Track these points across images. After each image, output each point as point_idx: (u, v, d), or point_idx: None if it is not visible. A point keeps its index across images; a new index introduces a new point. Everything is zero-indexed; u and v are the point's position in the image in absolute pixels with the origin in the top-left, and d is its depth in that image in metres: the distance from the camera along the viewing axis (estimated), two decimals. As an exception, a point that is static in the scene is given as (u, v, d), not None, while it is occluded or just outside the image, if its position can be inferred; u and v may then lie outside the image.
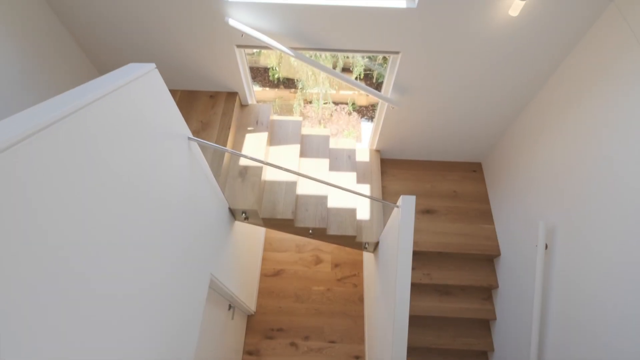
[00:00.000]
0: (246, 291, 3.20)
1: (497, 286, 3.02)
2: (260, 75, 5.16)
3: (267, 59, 4.83)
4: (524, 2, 1.93)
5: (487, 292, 3.12)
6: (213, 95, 2.78)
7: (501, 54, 2.33)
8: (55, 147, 0.89)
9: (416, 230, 3.06)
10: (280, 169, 2.05)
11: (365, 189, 3.20)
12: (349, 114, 5.14)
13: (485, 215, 3.24)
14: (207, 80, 2.71)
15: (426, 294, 3.11)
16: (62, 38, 2.31)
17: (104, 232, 1.08)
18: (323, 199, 2.74)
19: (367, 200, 3.08)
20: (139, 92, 1.29)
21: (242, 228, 2.91)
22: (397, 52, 2.38)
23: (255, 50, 4.68)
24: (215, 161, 2.40)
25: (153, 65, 1.37)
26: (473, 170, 3.50)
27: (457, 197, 3.33)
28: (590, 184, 2.04)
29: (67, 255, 0.92)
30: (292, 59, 4.39)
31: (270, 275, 3.86)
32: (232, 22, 2.16)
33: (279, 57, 4.67)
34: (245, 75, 2.71)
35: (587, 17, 2.05)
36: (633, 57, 1.81)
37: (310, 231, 2.69)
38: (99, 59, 2.56)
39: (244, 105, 2.91)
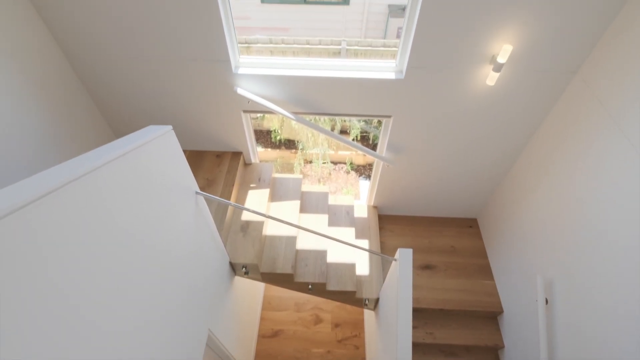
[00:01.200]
0: (243, 352, 3.07)
1: (502, 346, 2.92)
2: (263, 137, 5.48)
3: (270, 122, 5.17)
4: (498, 74, 2.19)
5: (493, 352, 3.01)
6: (219, 155, 2.97)
7: (484, 119, 2.56)
8: (86, 197, 1.00)
9: (416, 287, 3.05)
10: (281, 222, 2.14)
11: (364, 244, 3.25)
12: (347, 172, 5.35)
13: (485, 270, 3.24)
14: (214, 141, 2.92)
15: (431, 354, 2.99)
16: (86, 103, 2.56)
17: (110, 282, 1.14)
18: (322, 254, 2.78)
19: (366, 256, 3.11)
20: (157, 150, 1.44)
21: (242, 284, 2.90)
22: (389, 116, 2.61)
23: (259, 115, 5.04)
24: (219, 216, 2.50)
25: (170, 127, 1.54)
26: (469, 226, 3.57)
27: (455, 252, 3.36)
28: (579, 236, 2.12)
29: (76, 304, 0.98)
30: (293, 122, 4.71)
31: (268, 336, 3.72)
32: (240, 90, 2.41)
33: (281, 121, 5.01)
34: (249, 137, 2.92)
35: (556, 87, 2.31)
36: (599, 119, 2.01)
37: (310, 287, 2.69)
38: (115, 122, 2.79)
39: (247, 164, 3.09)
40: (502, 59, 2.10)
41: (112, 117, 2.75)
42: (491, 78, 2.22)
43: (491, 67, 2.20)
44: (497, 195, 3.20)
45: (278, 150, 5.32)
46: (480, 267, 3.27)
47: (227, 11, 2.12)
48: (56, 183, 0.92)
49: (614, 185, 1.90)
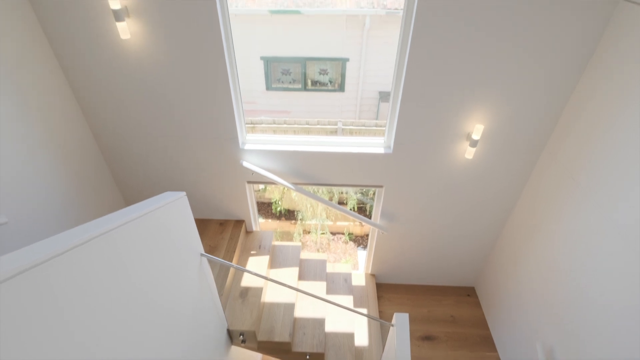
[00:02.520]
0: None
1: None
2: (264, 208, 5.69)
3: (271, 194, 5.43)
4: (474, 149, 2.48)
5: None
6: (222, 223, 3.14)
7: (468, 189, 2.79)
8: (110, 250, 1.16)
9: (418, 359, 2.96)
10: (281, 284, 2.22)
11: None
12: (346, 243, 5.44)
13: (487, 341, 3.17)
14: (218, 210, 3.11)
15: None
16: (102, 171, 2.81)
17: (116, 333, 1.23)
18: (321, 322, 2.77)
19: (365, 326, 3.07)
20: (171, 213, 1.62)
21: (238, 355, 2.83)
22: (380, 186, 2.85)
23: (261, 187, 5.32)
24: (219, 281, 2.57)
25: (183, 193, 1.75)
26: (467, 295, 3.57)
27: (455, 322, 3.32)
28: (572, 301, 2.18)
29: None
30: (294, 194, 4.97)
31: (262, 421, 3.44)
32: (245, 164, 2.69)
33: (281, 192, 5.27)
34: (252, 206, 3.13)
35: (529, 160, 2.59)
36: (569, 190, 2.24)
37: (308, 357, 2.63)
38: (127, 190, 3.02)
39: (249, 232, 3.24)
40: (476, 136, 2.41)
41: (124, 185, 2.98)
42: (469, 152, 2.51)
43: (468, 143, 2.50)
44: (491, 263, 3.28)
45: (278, 221, 5.49)
46: (482, 338, 3.19)
47: (237, 97, 2.49)
48: (84, 237, 1.08)
49: (592, 251, 2.04)
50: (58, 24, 2.12)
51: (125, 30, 2.10)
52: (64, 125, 2.37)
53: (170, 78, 2.31)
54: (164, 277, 1.56)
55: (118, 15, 2.03)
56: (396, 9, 5.00)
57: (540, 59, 2.10)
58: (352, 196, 5.19)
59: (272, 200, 5.43)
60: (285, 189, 5.24)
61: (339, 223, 5.47)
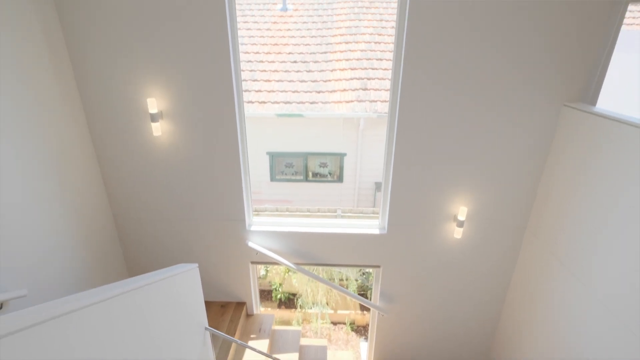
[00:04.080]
0: None
1: None
2: (264, 296, 5.61)
3: (273, 278, 5.43)
4: (461, 229, 2.70)
5: None
6: (224, 305, 3.17)
7: (461, 268, 2.93)
8: (125, 310, 1.31)
9: None
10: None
11: (366, 408, 3.02)
12: (347, 333, 5.22)
13: None
14: (221, 291, 3.18)
15: None
16: (115, 248, 2.98)
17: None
18: (321, 415, 2.61)
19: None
20: (183, 282, 1.78)
21: None
22: (378, 266, 2.99)
23: (262, 273, 5.36)
24: (218, 365, 2.53)
25: (196, 265, 1.93)
26: (477, 387, 3.36)
27: (466, 419, 3.07)
28: (573, 380, 2.16)
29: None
30: (294, 280, 4.99)
31: None
32: (251, 244, 2.88)
33: (282, 279, 5.28)
34: (254, 287, 3.21)
35: (514, 239, 2.79)
36: (553, 268, 2.40)
37: None
38: (133, 265, 3.14)
39: (249, 315, 3.25)
40: (461, 217, 2.67)
41: (133, 263, 3.11)
42: (457, 232, 2.73)
43: (455, 223, 2.74)
44: (498, 339, 3.20)
45: (278, 309, 5.37)
46: None
47: (247, 185, 2.82)
48: (103, 296, 1.23)
49: (581, 321, 2.11)
50: (102, 121, 2.56)
51: (158, 128, 2.53)
52: (89, 206, 2.64)
53: (191, 168, 2.67)
54: (168, 344, 1.64)
55: (154, 117, 2.49)
56: (385, 112, 5.76)
57: (509, 151, 2.48)
58: (353, 282, 5.19)
59: (272, 287, 5.40)
60: (286, 274, 5.27)
61: (340, 312, 5.33)
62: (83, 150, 2.55)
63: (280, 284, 5.34)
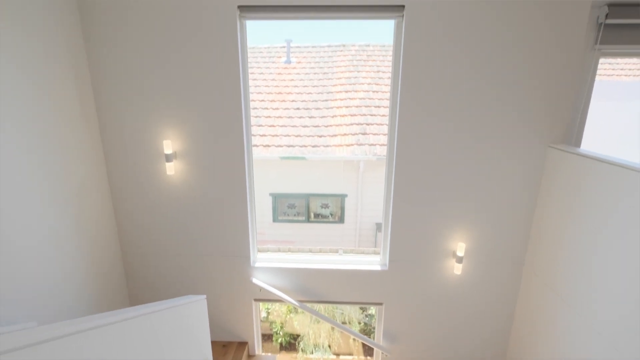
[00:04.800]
0: None
1: None
2: (265, 340, 5.46)
3: (274, 321, 5.32)
4: (461, 265, 2.77)
5: None
6: (225, 345, 3.14)
7: (463, 304, 2.95)
8: (138, 333, 1.38)
9: None
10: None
11: None
12: (351, 382, 5.01)
13: None
14: (223, 330, 3.16)
15: None
16: (122, 288, 3.02)
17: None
18: None
19: None
20: (190, 312, 1.84)
21: None
22: (380, 304, 3.01)
23: (263, 316, 5.27)
24: (219, 407, 2.47)
25: (204, 296, 1.99)
26: None
27: None
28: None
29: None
30: (295, 322, 4.90)
31: None
32: (255, 280, 2.93)
33: (284, 320, 5.18)
34: (256, 326, 3.19)
35: (513, 275, 2.84)
36: (553, 303, 2.44)
37: None
38: (135, 302, 3.14)
39: (251, 355, 3.19)
40: (460, 253, 2.75)
41: (135, 297, 3.12)
42: (457, 268, 2.80)
43: (454, 259, 2.81)
44: (503, 393, 3.11)
45: (278, 354, 5.19)
46: None
47: (253, 223, 2.93)
48: (116, 318, 1.32)
49: (582, 354, 2.12)
50: (119, 161, 2.73)
51: (172, 168, 2.71)
52: (100, 243, 2.74)
53: (200, 206, 2.81)
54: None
55: (168, 157, 2.67)
56: (384, 155, 6.01)
57: (502, 189, 2.63)
58: (356, 324, 5.08)
59: (274, 330, 5.28)
60: (288, 316, 5.18)
61: (342, 357, 5.16)
62: (99, 189, 2.71)
63: (281, 326, 5.22)
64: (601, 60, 2.74)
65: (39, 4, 2.11)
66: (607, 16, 2.59)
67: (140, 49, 2.47)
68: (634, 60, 6.51)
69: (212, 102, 2.56)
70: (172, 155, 2.68)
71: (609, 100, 5.57)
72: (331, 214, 6.49)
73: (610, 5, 2.59)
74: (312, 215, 6.48)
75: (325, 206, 6.45)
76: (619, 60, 6.45)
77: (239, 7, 2.39)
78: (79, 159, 2.48)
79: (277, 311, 5.27)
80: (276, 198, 6.47)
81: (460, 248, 2.75)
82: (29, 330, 1.08)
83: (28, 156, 2.04)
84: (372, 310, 5.19)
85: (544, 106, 2.46)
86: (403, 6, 2.33)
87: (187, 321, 1.80)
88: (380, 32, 14.63)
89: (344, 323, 5.23)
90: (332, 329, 5.06)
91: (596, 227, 2.06)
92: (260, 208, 6.46)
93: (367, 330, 5.32)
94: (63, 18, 2.31)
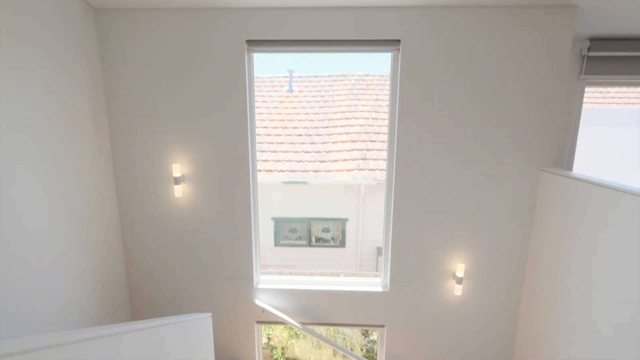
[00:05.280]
0: None
1: None
2: (264, 368, 5.35)
3: (274, 347, 5.24)
4: (460, 286, 2.81)
5: None
6: (227, 369, 3.12)
7: (464, 324, 2.96)
8: (145, 344, 1.44)
9: None
10: None
11: None
12: (353, 412, 4.87)
13: None
14: (225, 353, 3.15)
15: None
16: (126, 311, 3.04)
17: None
18: None
19: None
20: (196, 328, 1.89)
21: None
22: (382, 326, 3.02)
23: (264, 342, 5.19)
24: None
25: (210, 314, 2.04)
26: None
27: None
28: None
29: None
30: (296, 348, 4.83)
31: None
32: (257, 301, 2.96)
33: (285, 347, 5.10)
34: (258, 349, 3.18)
35: (513, 296, 2.87)
36: (553, 324, 2.47)
37: None
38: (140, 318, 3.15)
39: (252, 380, 3.16)
40: (459, 274, 2.80)
41: (138, 317, 3.13)
42: (457, 289, 2.84)
43: (454, 280, 2.86)
44: (509, 420, 3.05)
45: (279, 383, 5.07)
46: None
47: (257, 246, 3.00)
48: (124, 329, 1.38)
49: (585, 376, 2.13)
50: (129, 183, 2.85)
51: (180, 190, 2.82)
52: (106, 264, 2.80)
53: (205, 228, 2.89)
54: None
55: (177, 180, 2.79)
56: (384, 180, 6.14)
57: (499, 210, 2.72)
58: (358, 349, 5.00)
59: (274, 358, 5.18)
60: (289, 342, 5.10)
61: (344, 386, 5.03)
62: (109, 211, 2.80)
63: (282, 352, 5.14)
64: (592, 89, 2.93)
65: (59, 29, 2.29)
66: (589, 49, 2.79)
67: (154, 77, 2.65)
68: (624, 89, 6.78)
69: (220, 128, 2.71)
70: (180, 178, 2.79)
71: (601, 126, 5.77)
72: (332, 238, 6.53)
73: (591, 39, 2.80)
74: (313, 239, 6.52)
75: (327, 230, 6.50)
76: (609, 89, 6.72)
77: (247, 41, 2.58)
78: (92, 182, 2.59)
79: (278, 337, 5.20)
80: (278, 222, 6.54)
81: (460, 269, 2.80)
82: (38, 336, 1.14)
83: (45, 180, 2.15)
84: (374, 335, 5.13)
85: (536, 132, 2.59)
86: (399, 40, 2.52)
87: (194, 337, 1.85)
88: (378, 62, 15.22)
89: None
90: (334, 354, 4.97)
91: (589, 246, 2.13)
92: (262, 232, 6.50)
93: (370, 357, 5.22)
94: (82, 44, 2.48)
